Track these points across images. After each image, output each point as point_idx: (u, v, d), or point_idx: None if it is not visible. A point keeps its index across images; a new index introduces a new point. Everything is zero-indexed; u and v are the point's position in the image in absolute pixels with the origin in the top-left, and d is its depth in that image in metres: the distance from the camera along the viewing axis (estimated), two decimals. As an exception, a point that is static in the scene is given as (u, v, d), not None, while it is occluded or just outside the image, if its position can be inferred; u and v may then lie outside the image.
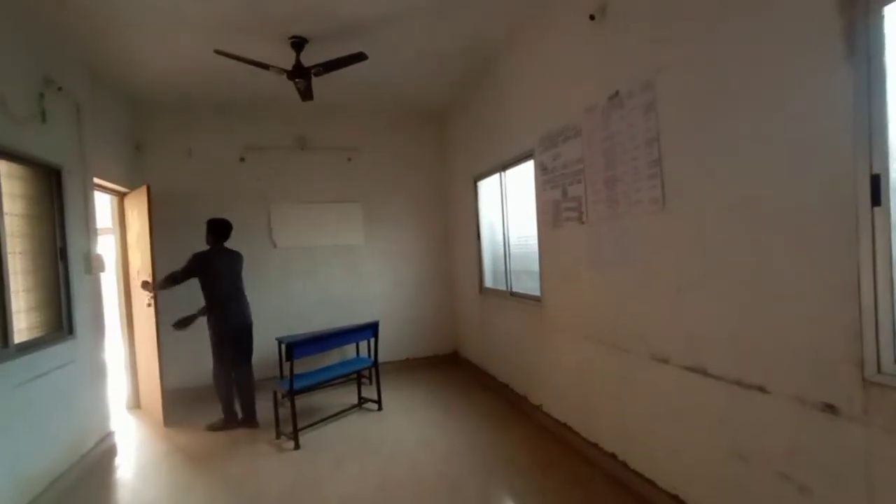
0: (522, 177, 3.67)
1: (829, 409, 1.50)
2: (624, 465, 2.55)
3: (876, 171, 1.34)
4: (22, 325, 2.60)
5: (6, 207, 2.53)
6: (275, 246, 4.80)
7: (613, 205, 2.50)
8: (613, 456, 2.64)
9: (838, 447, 1.49)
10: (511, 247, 3.98)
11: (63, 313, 3.00)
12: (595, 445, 2.80)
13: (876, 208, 1.34)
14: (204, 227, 3.76)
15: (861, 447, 1.42)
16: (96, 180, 3.55)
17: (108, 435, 3.43)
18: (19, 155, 2.62)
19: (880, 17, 1.33)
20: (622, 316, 2.52)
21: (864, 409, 1.40)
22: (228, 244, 3.79)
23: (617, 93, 2.43)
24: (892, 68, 1.32)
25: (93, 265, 3.28)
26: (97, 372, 3.35)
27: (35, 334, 2.74)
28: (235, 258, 3.83)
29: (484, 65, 3.94)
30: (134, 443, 3.55)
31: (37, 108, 2.74)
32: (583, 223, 2.80)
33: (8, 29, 2.60)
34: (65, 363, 2.91)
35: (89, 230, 3.31)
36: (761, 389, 1.74)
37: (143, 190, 3.72)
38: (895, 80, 1.32)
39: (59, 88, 2.93)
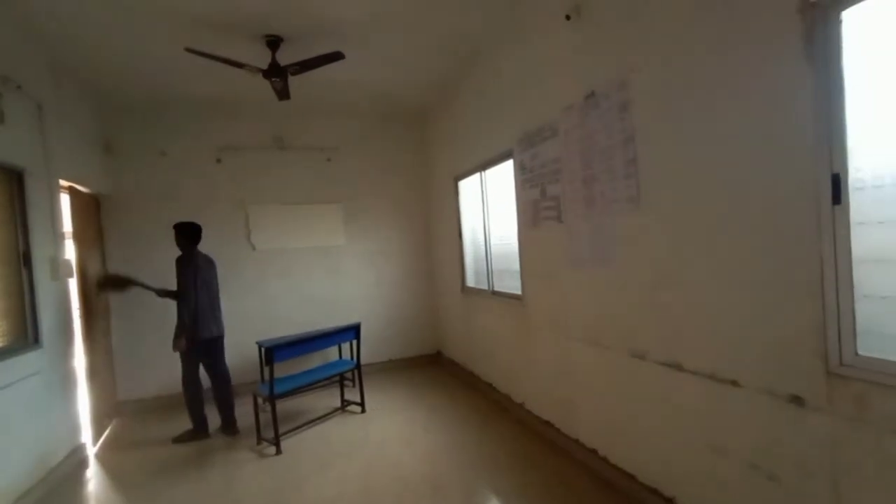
0: (503, 176, 3.69)
1: (796, 400, 1.56)
2: (605, 460, 2.59)
3: (836, 170, 1.39)
4: (-17, 335, 2.50)
5: (-36, 212, 2.42)
6: (253, 248, 4.71)
7: (591, 204, 2.54)
8: (594, 452, 2.68)
9: (805, 437, 1.54)
10: (492, 246, 4.00)
11: (28, 321, 2.89)
12: (576, 441, 2.84)
13: (836, 206, 1.40)
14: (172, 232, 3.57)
15: (826, 436, 1.47)
16: (63, 183, 3.42)
17: (79, 447, 3.32)
18: (-24, 157, 2.51)
19: (838, 22, 1.38)
20: (601, 313, 2.56)
21: (829, 400, 1.46)
22: (201, 248, 3.66)
23: (593, 93, 2.46)
24: (849, 72, 1.37)
25: (60, 271, 3.17)
26: (66, 382, 3.23)
27: (-1, 344, 2.63)
28: (214, 265, 3.73)
29: (463, 65, 3.95)
30: (106, 454, 3.44)
31: (-6, 108, 2.62)
32: (561, 222, 2.83)
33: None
34: (30, 374, 2.80)
35: (56, 234, 3.19)
36: (734, 383, 1.79)
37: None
38: (853, 83, 1.37)
39: (18, 87, 2.81)
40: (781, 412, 1.61)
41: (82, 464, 3.26)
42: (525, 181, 3.22)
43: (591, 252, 2.57)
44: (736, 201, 1.73)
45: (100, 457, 3.40)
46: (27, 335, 2.88)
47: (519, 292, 3.45)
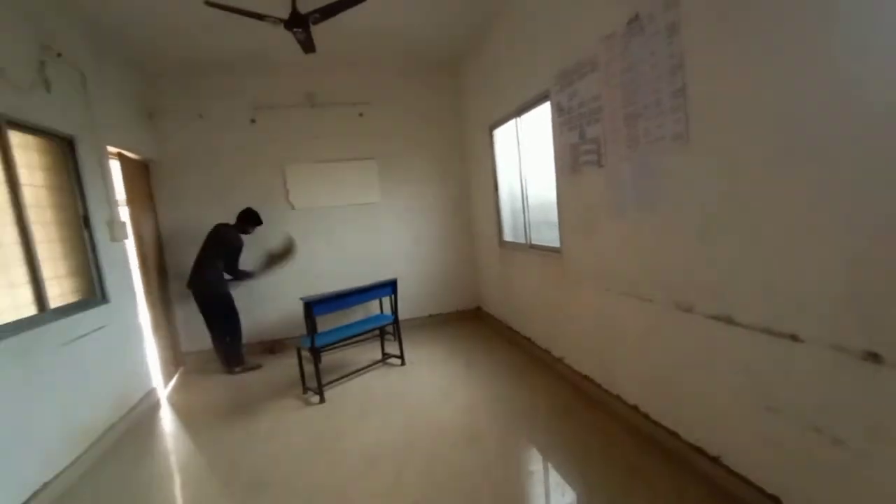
0: (539, 121, 3.44)
1: (872, 357, 1.36)
2: (646, 416, 2.48)
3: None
4: (56, 292, 2.73)
5: (26, 179, 2.60)
6: (293, 208, 4.81)
7: (633, 144, 2.29)
8: (635, 407, 2.58)
9: (880, 398, 1.35)
10: (529, 197, 3.81)
11: (94, 280, 3.14)
12: (617, 398, 2.74)
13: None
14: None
15: (904, 397, 1.28)
16: (112, 149, 3.58)
17: (151, 391, 3.67)
18: (27, 125, 2.64)
19: None
20: (644, 264, 2.37)
21: (911, 357, 1.25)
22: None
23: (637, 16, 2.15)
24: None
25: (117, 232, 3.38)
26: (133, 334, 3.54)
27: (70, 300, 2.88)
28: (214, 230, 4.28)
29: (493, 2, 3.61)
30: (175, 397, 3.79)
31: (38, 77, 2.73)
32: (602, 166, 2.60)
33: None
34: (102, 326, 3.07)
35: (109, 199, 3.38)
36: (794, 338, 1.59)
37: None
38: None
39: (59, 55, 2.89)
40: (852, 370, 1.42)
41: (156, 405, 3.63)
42: (563, 124, 2.97)
43: (634, 197, 2.35)
44: (810, 130, 1.47)
45: (170, 399, 3.76)
46: (95, 291, 3.14)
47: (557, 244, 3.28)
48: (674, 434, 2.27)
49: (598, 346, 2.90)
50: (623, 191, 2.43)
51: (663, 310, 2.26)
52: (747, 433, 1.85)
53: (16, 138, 2.55)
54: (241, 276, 4.27)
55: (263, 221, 4.36)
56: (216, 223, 4.26)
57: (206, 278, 4.10)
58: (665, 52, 2.00)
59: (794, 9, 1.46)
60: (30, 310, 2.49)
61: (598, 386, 2.93)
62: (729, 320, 1.86)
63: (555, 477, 2.24)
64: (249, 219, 4.26)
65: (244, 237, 4.27)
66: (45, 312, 2.58)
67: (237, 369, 4.24)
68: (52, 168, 2.90)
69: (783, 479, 1.72)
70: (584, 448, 2.44)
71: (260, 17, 2.95)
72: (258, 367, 4.29)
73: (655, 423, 2.41)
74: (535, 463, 2.39)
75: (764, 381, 1.74)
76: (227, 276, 4.21)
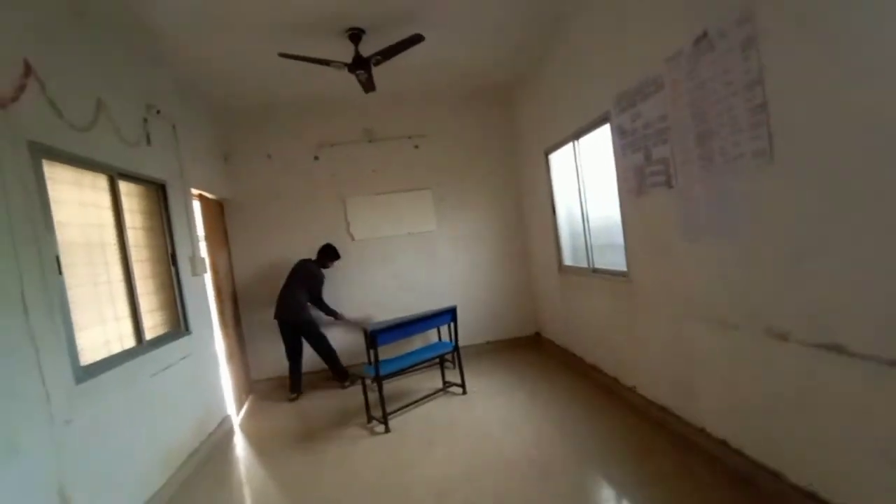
0: (598, 144, 3.39)
1: None
2: (738, 452, 2.28)
3: None
4: (149, 324, 2.98)
5: (129, 222, 2.89)
6: (353, 239, 4.99)
7: (707, 163, 2.20)
8: (724, 443, 2.38)
9: None
10: (590, 220, 3.73)
11: (179, 312, 3.39)
12: (701, 431, 2.55)
13: None
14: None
15: None
16: (193, 191, 3.92)
17: (227, 418, 3.85)
18: (135, 176, 2.97)
19: None
20: (725, 289, 2.22)
21: None
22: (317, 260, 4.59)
23: (705, 33, 2.10)
24: None
25: (198, 267, 3.65)
26: (211, 363, 3.76)
27: (160, 332, 3.12)
28: (299, 265, 4.60)
29: (551, 28, 3.66)
30: (247, 424, 3.95)
31: (142, 132, 3.07)
32: (671, 187, 2.51)
33: (119, 63, 2.92)
34: (185, 356, 3.29)
35: (192, 236, 3.68)
36: (921, 370, 1.42)
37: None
38: None
39: (158, 112, 3.25)
40: None
41: (230, 431, 3.79)
42: (625, 146, 2.91)
43: (711, 218, 2.24)
44: (920, 139, 1.34)
45: (242, 426, 3.92)
46: (180, 324, 3.38)
47: (624, 268, 3.17)
48: (776, 474, 2.06)
49: (676, 374, 2.72)
50: (697, 212, 2.32)
51: (750, 337, 2.10)
52: (864, 481, 1.64)
53: (123, 188, 2.86)
54: (328, 311, 4.57)
55: (341, 255, 4.66)
56: (300, 258, 4.59)
57: (292, 308, 4.39)
58: (741, 69, 1.92)
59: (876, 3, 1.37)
60: (130, 342, 2.73)
61: (678, 417, 2.74)
62: (838, 349, 1.69)
63: (640, 519, 2.09)
64: (329, 254, 4.57)
65: (325, 271, 4.60)
66: (142, 344, 2.81)
67: (346, 383, 4.54)
68: (148, 211, 3.21)
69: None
70: (670, 489, 2.26)
71: (327, 62, 3.17)
72: (357, 380, 4.40)
73: (752, 460, 2.20)
74: None
75: (883, 420, 1.55)
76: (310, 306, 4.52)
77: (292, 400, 4.39)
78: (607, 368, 3.64)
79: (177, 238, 3.43)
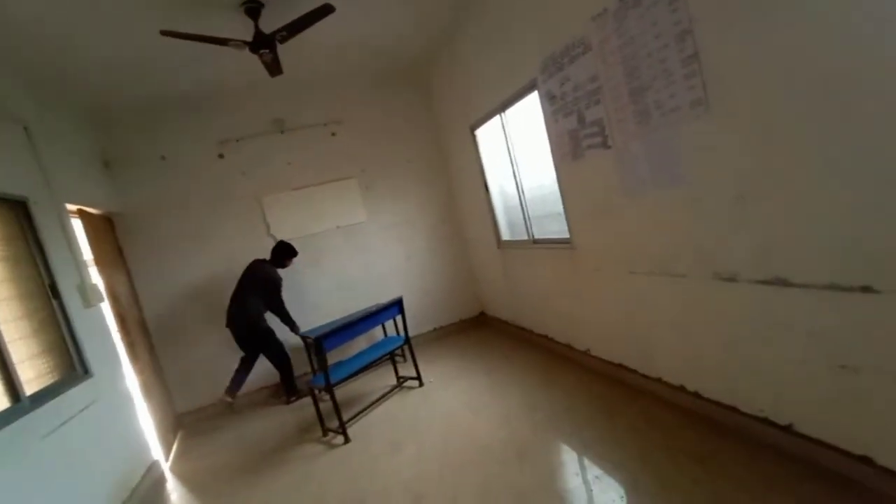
0: (527, 113, 3.35)
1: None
2: (696, 395, 2.40)
3: None
4: (30, 375, 2.40)
5: (-24, 253, 2.27)
6: (275, 240, 4.53)
7: (644, 118, 2.22)
8: (682, 388, 2.49)
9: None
10: (526, 192, 3.72)
11: (72, 353, 2.80)
12: (658, 380, 2.65)
13: None
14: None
15: None
16: (70, 206, 3.25)
17: (154, 464, 3.31)
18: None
19: None
20: (672, 240, 2.29)
21: None
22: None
23: (630, -12, 2.09)
24: None
25: (90, 297, 3.04)
26: (124, 405, 3.19)
27: (48, 381, 2.54)
28: (250, 268, 4.14)
29: (460, -2, 3.53)
30: (180, 466, 3.44)
31: (-23, 137, 2.42)
32: (609, 147, 2.52)
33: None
34: (88, 403, 2.73)
35: (77, 261, 3.05)
36: (865, 289, 1.53)
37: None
38: None
39: (-5, 109, 2.59)
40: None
41: (160, 479, 3.27)
42: (556, 111, 2.89)
43: (652, 173, 2.28)
44: (859, 74, 1.41)
45: (174, 470, 3.41)
46: (75, 366, 2.79)
47: (566, 235, 3.19)
48: (731, 408, 2.19)
49: (629, 332, 2.80)
50: (638, 168, 2.35)
51: (700, 283, 2.18)
52: (821, 396, 1.77)
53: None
54: (288, 320, 4.15)
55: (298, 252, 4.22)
56: (253, 259, 4.13)
57: (243, 316, 3.96)
58: (669, 20, 1.93)
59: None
60: (2, 402, 2.16)
61: (635, 372, 2.83)
62: (784, 282, 1.79)
63: (622, 475, 2.11)
64: (284, 252, 4.12)
65: (282, 271, 4.13)
66: (20, 402, 2.25)
67: (293, 398, 4.16)
68: (5, 237, 2.57)
69: (872, 437, 1.65)
70: (641, 439, 2.32)
71: (222, 41, 2.74)
72: (307, 393, 4.11)
73: (708, 399, 2.32)
74: (595, 467, 2.24)
75: (834, 339, 1.67)
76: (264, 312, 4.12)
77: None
78: (559, 336, 3.70)
79: (55, 265, 2.80)
